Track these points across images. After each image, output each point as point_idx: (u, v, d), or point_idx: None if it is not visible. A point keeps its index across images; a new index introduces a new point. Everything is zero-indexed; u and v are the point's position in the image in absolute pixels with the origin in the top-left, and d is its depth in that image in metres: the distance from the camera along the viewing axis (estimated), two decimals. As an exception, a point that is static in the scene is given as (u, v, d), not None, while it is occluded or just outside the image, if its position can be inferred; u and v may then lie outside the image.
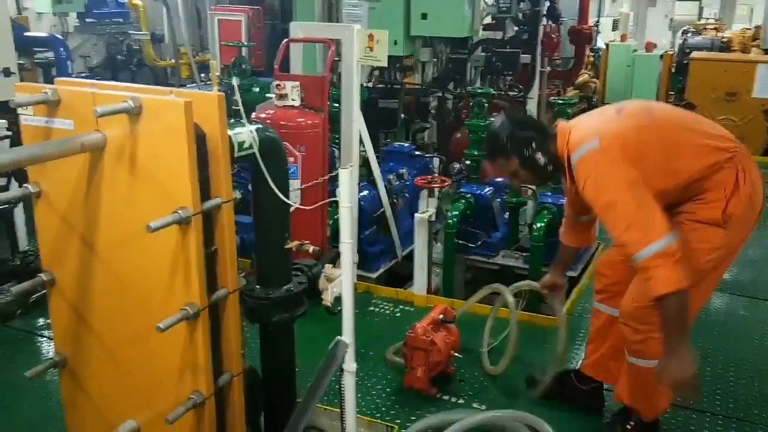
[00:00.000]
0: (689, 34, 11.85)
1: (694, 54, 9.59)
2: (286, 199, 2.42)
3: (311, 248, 2.68)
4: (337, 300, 2.52)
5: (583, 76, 10.68)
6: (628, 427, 3.09)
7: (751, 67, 8.53)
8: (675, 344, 2.54)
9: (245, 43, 7.52)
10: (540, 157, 2.87)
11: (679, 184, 2.70)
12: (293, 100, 4.28)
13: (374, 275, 5.00)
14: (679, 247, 2.49)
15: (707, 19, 17.69)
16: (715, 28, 12.86)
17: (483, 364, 3.76)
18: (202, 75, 8.75)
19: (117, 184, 2.05)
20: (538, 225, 4.61)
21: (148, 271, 2.09)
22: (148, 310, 2.11)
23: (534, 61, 7.04)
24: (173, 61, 9.04)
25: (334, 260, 4.07)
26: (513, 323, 3.73)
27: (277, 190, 2.36)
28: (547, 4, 7.37)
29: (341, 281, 2.44)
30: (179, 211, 1.93)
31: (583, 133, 2.75)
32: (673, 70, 10.66)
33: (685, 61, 9.82)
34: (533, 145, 2.86)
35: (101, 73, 9.94)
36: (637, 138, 2.70)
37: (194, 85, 8.04)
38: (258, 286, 2.67)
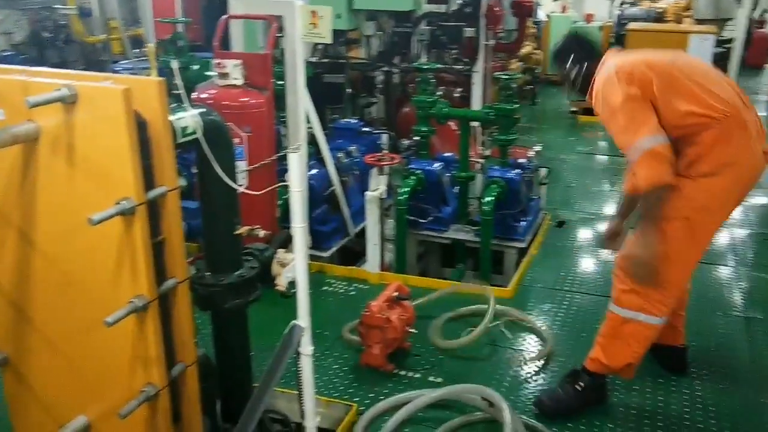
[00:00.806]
0: (626, 6, 12.04)
1: (631, 25, 9.76)
2: (234, 185, 2.36)
3: (262, 233, 2.64)
4: (291, 284, 2.49)
5: (526, 48, 10.75)
6: (578, 387, 3.26)
7: (683, 37, 8.70)
8: (647, 228, 2.99)
9: (181, 19, 7.26)
10: (584, 72, 3.21)
11: (670, 123, 2.88)
12: (236, 78, 4.17)
13: (327, 254, 4.98)
14: (665, 148, 2.81)
15: (644, -12, 17.98)
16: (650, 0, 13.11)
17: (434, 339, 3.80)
18: (135, 51, 8.42)
19: (55, 176, 1.96)
20: (488, 199, 4.64)
21: (93, 264, 2.02)
22: (94, 304, 2.04)
23: (478, 34, 7.03)
24: (104, 36, 8.67)
25: (286, 242, 4.03)
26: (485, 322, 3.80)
27: (224, 176, 2.30)
28: (489, -24, 7.35)
29: (295, 266, 2.41)
30: (122, 202, 1.86)
31: (610, 62, 3.05)
32: (612, 40, 10.82)
33: (623, 33, 9.99)
34: (583, 61, 3.21)
35: (26, 50, 9.44)
36: (645, 70, 2.93)
37: (127, 62, 7.76)
38: (208, 273, 2.62)
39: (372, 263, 4.67)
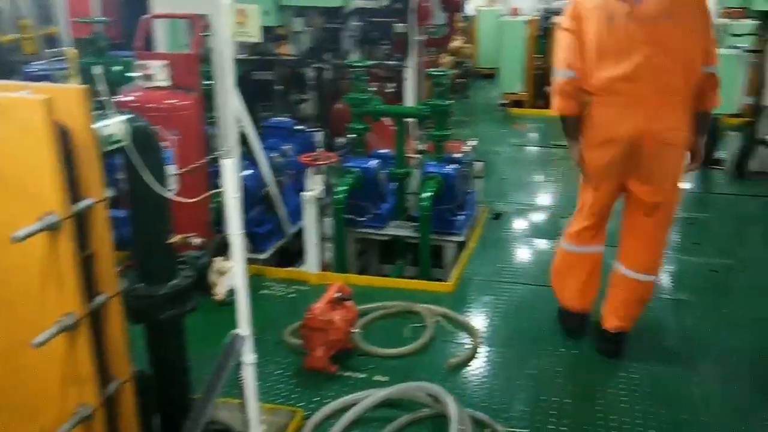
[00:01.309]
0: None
1: (556, 19, 9.98)
2: (167, 194, 2.28)
3: (197, 240, 2.57)
4: (230, 292, 2.43)
5: (457, 42, 10.85)
6: None
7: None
8: (569, 143, 3.61)
9: (99, 19, 6.97)
10: None
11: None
12: (161, 80, 4.04)
13: (264, 256, 4.90)
14: (569, 83, 3.40)
15: (566, -19, 18.40)
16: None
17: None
18: (49, 51, 7.99)
19: (-29, 191, 1.85)
20: (426, 194, 4.66)
21: (19, 283, 1.91)
22: (22, 325, 1.94)
23: (409, 29, 7.04)
24: (14, 36, 8.25)
25: (221, 248, 3.94)
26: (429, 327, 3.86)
27: (156, 185, 2.21)
28: (418, -28, 7.37)
29: (233, 274, 2.35)
30: (47, 217, 1.77)
31: None
32: (538, 34, 11.02)
33: (548, 26, 10.21)
34: None
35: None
36: (582, 12, 3.36)
37: (42, 62, 7.39)
38: (141, 284, 2.53)
39: (311, 264, 4.62)
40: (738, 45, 6.47)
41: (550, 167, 7.23)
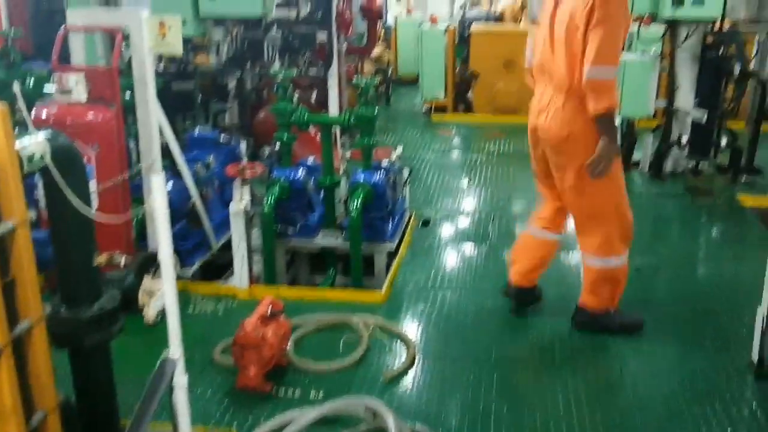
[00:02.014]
0: (467, 8, 12.54)
1: (473, 28, 10.21)
2: (91, 214, 2.18)
3: (123, 260, 2.47)
4: (161, 314, 2.34)
5: (377, 50, 10.93)
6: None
7: (522, 37, 9.21)
8: (612, 139, 3.59)
9: (11, 30, 6.64)
10: None
11: None
12: (79, 94, 3.88)
13: (189, 272, 4.76)
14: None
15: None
16: (489, 1, 13.73)
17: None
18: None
19: None
20: (355, 203, 4.64)
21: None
22: (-66, 359, 1.81)
23: (330, 38, 7.04)
24: None
25: (145, 265, 3.81)
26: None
27: (80, 205, 2.11)
28: (338, -18, 7.39)
29: (163, 295, 2.26)
30: (-37, 244, 1.66)
31: None
32: (457, 41, 11.23)
33: (466, 34, 10.41)
34: None
35: None
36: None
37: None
38: (65, 308, 2.41)
39: (240, 278, 4.53)
40: (648, 50, 6.76)
41: (474, 172, 7.36)
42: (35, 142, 1.96)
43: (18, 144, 1.88)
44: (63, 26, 4.15)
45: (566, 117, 3.57)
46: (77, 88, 3.83)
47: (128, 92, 4.38)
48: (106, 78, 4.00)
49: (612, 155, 3.55)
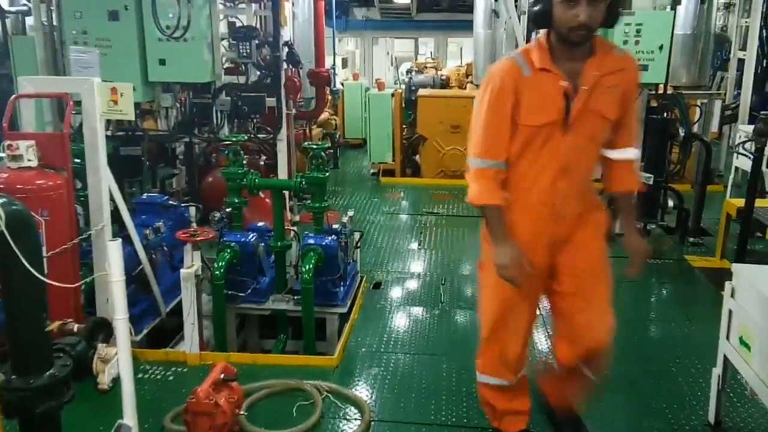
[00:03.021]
0: (413, 73, 12.94)
1: (420, 92, 10.53)
2: (44, 279, 2.16)
3: (75, 327, 2.44)
4: (115, 381, 2.31)
5: (324, 114, 11.14)
6: None
7: (468, 101, 9.56)
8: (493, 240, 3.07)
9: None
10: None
11: None
12: (29, 160, 3.85)
13: (138, 338, 4.65)
14: None
15: (424, 55, 19.47)
16: (434, 67, 14.21)
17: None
18: None
19: None
20: (307, 267, 4.66)
21: None
22: None
23: (279, 103, 7.17)
24: None
25: (94, 331, 3.73)
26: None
27: (34, 271, 2.10)
28: (286, 50, 7.58)
29: (117, 362, 2.24)
30: None
31: None
32: (403, 105, 11.57)
33: (413, 98, 10.73)
34: None
35: None
36: None
37: None
38: (14, 376, 2.35)
39: (190, 344, 4.45)
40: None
41: (424, 234, 7.48)
42: (-8, 209, 1.96)
43: (-25, 211, 1.88)
44: (14, 95, 4.14)
45: None
46: (28, 154, 3.81)
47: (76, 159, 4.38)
48: (57, 144, 3.98)
49: (494, 258, 3.03)
